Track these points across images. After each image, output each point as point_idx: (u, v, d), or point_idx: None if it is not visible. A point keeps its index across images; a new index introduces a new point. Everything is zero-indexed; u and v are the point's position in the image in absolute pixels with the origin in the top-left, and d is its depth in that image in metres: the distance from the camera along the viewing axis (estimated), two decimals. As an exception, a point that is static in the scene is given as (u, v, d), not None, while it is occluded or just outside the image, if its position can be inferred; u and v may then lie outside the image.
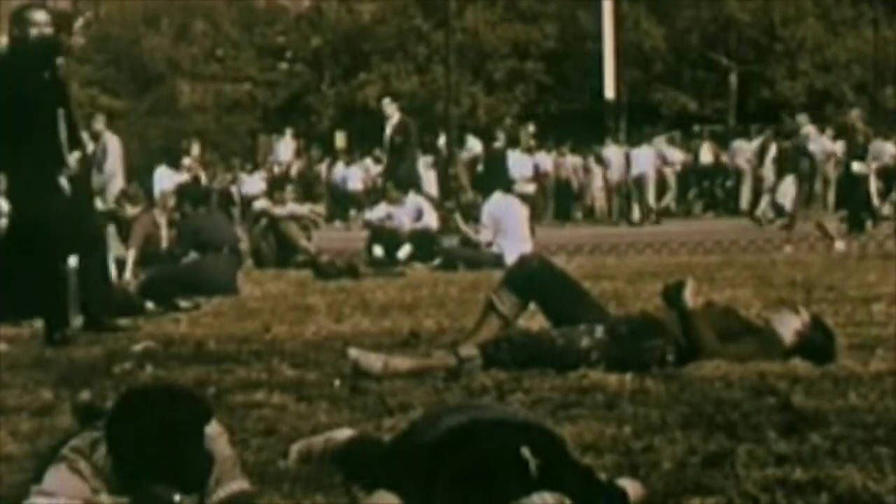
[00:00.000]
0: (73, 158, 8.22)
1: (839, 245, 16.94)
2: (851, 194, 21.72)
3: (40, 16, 8.23)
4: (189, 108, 45.36)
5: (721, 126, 39.80)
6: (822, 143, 19.67)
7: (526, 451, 3.37)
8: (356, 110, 43.65)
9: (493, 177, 26.89)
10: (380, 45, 46.01)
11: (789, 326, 6.31)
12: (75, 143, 8.33)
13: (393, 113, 19.31)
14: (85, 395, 3.94)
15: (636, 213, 28.98)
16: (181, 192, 14.37)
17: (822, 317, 6.76)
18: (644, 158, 29.12)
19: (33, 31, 8.17)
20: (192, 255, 11.83)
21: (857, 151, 23.23)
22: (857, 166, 21.73)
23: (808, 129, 19.32)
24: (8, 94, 8.09)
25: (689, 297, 6.22)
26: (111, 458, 3.46)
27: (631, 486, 3.69)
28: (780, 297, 9.42)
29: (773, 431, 4.56)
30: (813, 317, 6.48)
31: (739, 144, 32.05)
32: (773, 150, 27.89)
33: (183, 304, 10.05)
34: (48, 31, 8.18)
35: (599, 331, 6.16)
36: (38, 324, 9.40)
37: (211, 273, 11.42)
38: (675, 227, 24.40)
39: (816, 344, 6.25)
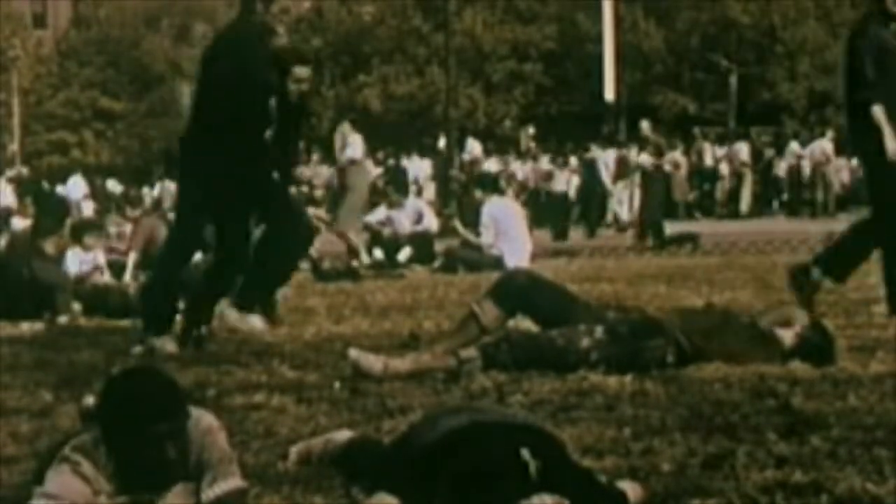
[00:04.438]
0: None
1: None
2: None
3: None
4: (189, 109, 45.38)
5: (721, 128, 39.80)
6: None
7: (526, 453, 3.37)
8: (356, 112, 43.63)
9: (592, 184, 27.18)
10: (379, 47, 46.00)
11: (789, 328, 6.31)
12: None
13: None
14: (90, 399, 3.93)
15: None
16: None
17: (822, 319, 6.75)
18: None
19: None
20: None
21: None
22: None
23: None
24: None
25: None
26: (107, 449, 3.46)
27: (631, 488, 3.69)
28: (780, 299, 9.42)
29: (773, 433, 4.55)
30: (813, 319, 6.48)
31: (739, 146, 32.11)
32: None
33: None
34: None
35: (599, 331, 6.15)
36: (39, 325, 9.42)
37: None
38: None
39: (816, 346, 6.25)
